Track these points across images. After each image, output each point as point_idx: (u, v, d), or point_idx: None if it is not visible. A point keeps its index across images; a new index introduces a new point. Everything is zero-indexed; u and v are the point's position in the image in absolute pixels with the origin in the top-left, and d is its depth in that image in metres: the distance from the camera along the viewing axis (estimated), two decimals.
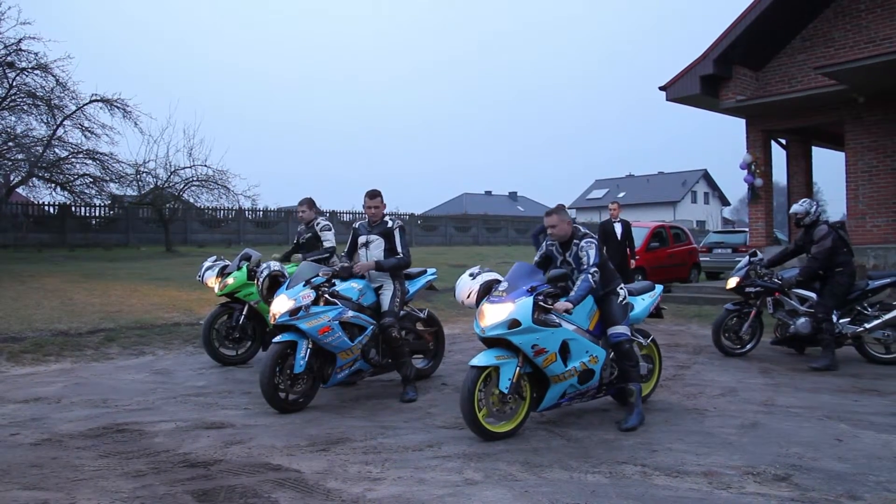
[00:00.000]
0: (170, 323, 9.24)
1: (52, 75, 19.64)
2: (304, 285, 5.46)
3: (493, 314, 4.54)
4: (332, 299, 5.49)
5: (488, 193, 66.26)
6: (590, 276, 4.79)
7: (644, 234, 14.84)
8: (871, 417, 5.20)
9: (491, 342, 4.64)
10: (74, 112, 20.49)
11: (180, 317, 9.71)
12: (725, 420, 5.12)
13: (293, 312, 5.27)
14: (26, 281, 12.99)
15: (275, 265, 6.70)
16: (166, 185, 22.73)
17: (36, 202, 22.93)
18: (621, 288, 5.15)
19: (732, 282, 7.95)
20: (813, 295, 7.44)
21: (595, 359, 4.85)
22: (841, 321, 7.37)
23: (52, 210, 23.23)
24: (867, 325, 7.31)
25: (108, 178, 21.44)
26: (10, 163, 19.98)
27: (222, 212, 26.83)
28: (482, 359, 4.56)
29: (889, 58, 11.05)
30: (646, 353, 5.59)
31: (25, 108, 19.92)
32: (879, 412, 5.37)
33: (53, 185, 20.95)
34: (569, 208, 65.93)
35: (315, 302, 5.40)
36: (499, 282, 4.97)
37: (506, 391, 4.53)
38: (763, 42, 14.14)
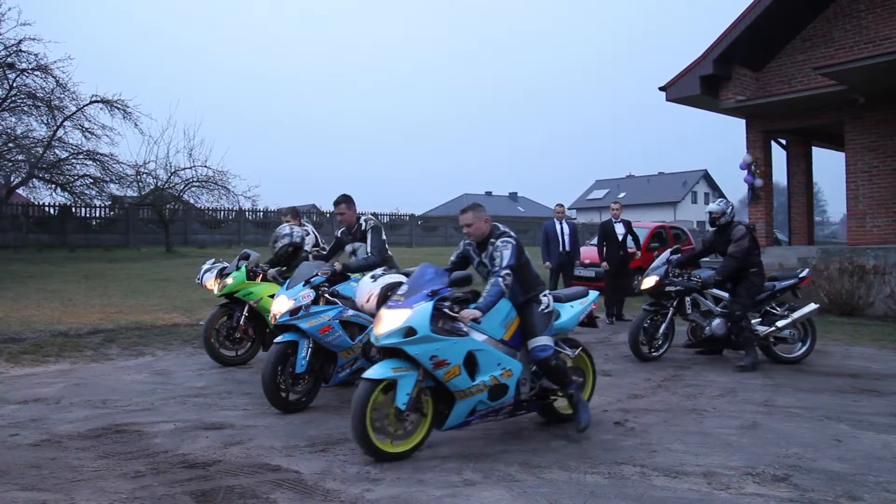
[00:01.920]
0: (169, 324, 9.24)
1: (53, 76, 19.71)
2: (304, 285, 5.45)
3: (389, 321, 4.09)
4: (332, 298, 5.50)
5: (489, 194, 66.25)
6: (500, 279, 4.33)
7: (644, 235, 14.85)
8: (870, 418, 5.20)
9: (389, 352, 4.14)
10: (75, 113, 20.54)
11: (180, 317, 9.70)
12: (725, 420, 5.12)
13: (293, 312, 5.27)
14: (26, 282, 12.99)
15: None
16: (166, 185, 22.77)
17: (36, 203, 22.96)
18: (545, 294, 4.70)
19: (650, 281, 7.62)
20: (726, 295, 7.43)
21: (508, 372, 4.38)
22: (753, 321, 7.41)
23: (52, 211, 23.26)
24: (778, 324, 7.37)
25: (108, 179, 21.50)
26: (10, 164, 20.03)
27: (222, 212, 26.84)
28: (377, 370, 4.08)
29: (889, 58, 11.05)
30: (572, 366, 5.04)
31: (26, 109, 19.97)
32: (879, 412, 5.36)
33: (54, 185, 21.00)
34: (569, 209, 66.02)
35: (315, 301, 5.39)
36: (401, 285, 4.56)
37: (403, 408, 4.04)
38: (763, 42, 14.14)
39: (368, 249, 5.98)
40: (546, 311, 4.63)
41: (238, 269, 7.16)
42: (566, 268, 11.16)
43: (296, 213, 7.73)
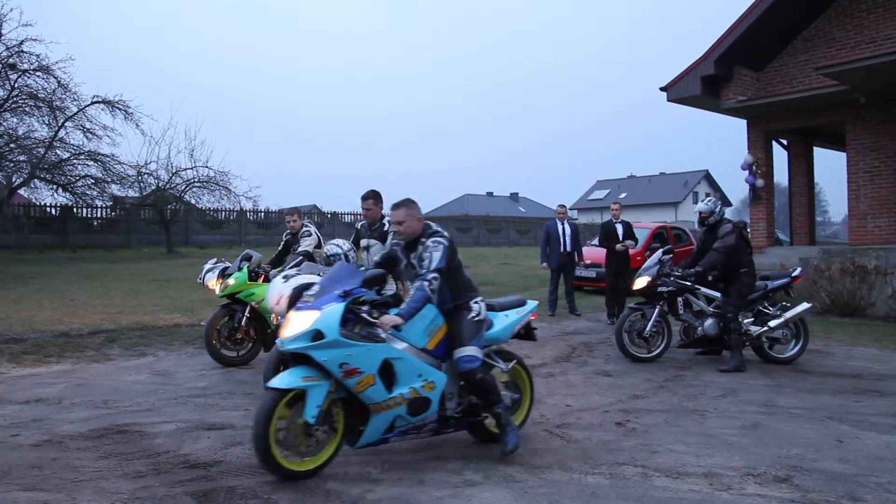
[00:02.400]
0: (171, 324, 9.24)
1: (54, 77, 19.73)
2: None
3: (296, 324, 3.71)
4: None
5: (490, 194, 66.22)
6: (426, 283, 3.94)
7: (645, 235, 14.83)
8: (872, 418, 5.19)
9: (299, 359, 3.75)
10: (76, 113, 20.56)
11: (181, 318, 9.71)
12: (726, 421, 5.12)
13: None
14: (28, 282, 13.01)
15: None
16: (168, 186, 22.78)
17: (38, 203, 22.98)
18: (476, 301, 4.31)
19: (642, 281, 7.53)
20: (718, 294, 7.43)
21: (431, 385, 3.98)
22: (745, 321, 7.40)
23: (53, 211, 23.29)
24: (771, 324, 7.36)
25: (109, 180, 21.51)
26: (12, 164, 20.05)
27: (224, 213, 26.85)
28: (284, 379, 3.67)
29: (891, 58, 11.05)
30: (506, 381, 4.59)
31: (27, 109, 20.00)
32: (881, 413, 5.36)
33: (55, 186, 21.02)
34: (570, 209, 65.94)
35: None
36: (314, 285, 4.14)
37: (312, 421, 3.64)
38: (764, 42, 14.14)
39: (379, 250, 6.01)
40: (476, 319, 4.24)
41: (240, 269, 7.16)
42: (567, 268, 11.18)
43: (300, 214, 7.73)
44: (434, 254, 4.05)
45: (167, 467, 3.99)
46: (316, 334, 3.61)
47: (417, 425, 4.02)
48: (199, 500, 3.50)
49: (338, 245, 5.76)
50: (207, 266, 7.65)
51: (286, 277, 4.78)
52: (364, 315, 3.79)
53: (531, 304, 4.89)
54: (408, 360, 3.92)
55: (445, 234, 4.24)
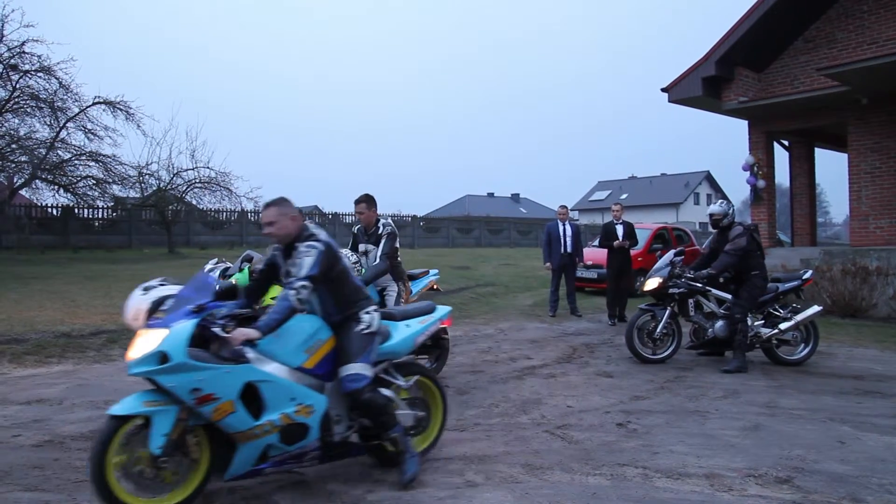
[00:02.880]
0: None
1: (56, 78, 19.70)
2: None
3: (143, 344, 3.25)
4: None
5: (491, 195, 66.21)
6: (291, 292, 3.45)
7: (646, 236, 14.83)
8: (874, 419, 5.19)
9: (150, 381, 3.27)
10: (77, 114, 20.52)
11: None
12: (727, 422, 5.11)
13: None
14: (29, 283, 13.01)
15: None
16: (169, 186, 22.75)
17: (39, 204, 22.95)
18: (368, 312, 3.85)
19: (654, 283, 7.49)
20: (730, 297, 7.42)
21: (307, 409, 3.52)
22: (755, 324, 7.39)
23: (55, 212, 23.27)
24: (781, 327, 7.35)
25: (110, 180, 21.47)
26: (13, 165, 20.03)
27: (225, 214, 26.85)
28: (125, 405, 3.23)
29: (892, 58, 11.02)
30: (410, 398, 4.14)
31: (29, 110, 19.97)
32: (883, 414, 5.35)
33: (56, 187, 20.99)
34: (571, 210, 65.51)
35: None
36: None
37: (158, 452, 3.18)
38: (765, 43, 14.12)
39: (378, 254, 5.97)
40: (366, 331, 3.77)
41: (241, 270, 7.15)
42: (568, 269, 11.18)
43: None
44: (305, 259, 3.59)
45: None
46: (161, 356, 3.16)
47: (295, 454, 3.56)
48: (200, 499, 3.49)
49: (346, 258, 5.71)
50: (208, 266, 7.62)
51: (146, 289, 4.21)
52: (215, 330, 3.31)
53: (441, 310, 4.45)
54: (276, 382, 3.44)
55: (323, 237, 3.77)
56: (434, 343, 4.50)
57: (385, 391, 3.86)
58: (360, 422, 3.81)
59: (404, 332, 4.14)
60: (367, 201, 6.25)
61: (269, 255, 3.97)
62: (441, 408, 4.32)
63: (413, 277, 6.61)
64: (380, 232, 6.09)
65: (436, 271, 6.96)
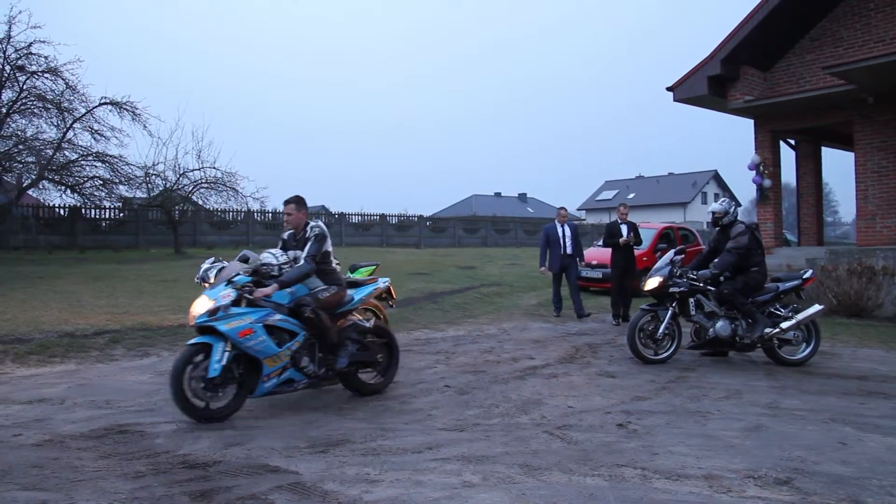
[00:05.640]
0: (175, 325, 9.25)
1: (62, 79, 19.84)
2: (227, 284, 5.18)
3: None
4: (256, 299, 5.20)
5: (498, 195, 66.12)
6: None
7: (652, 236, 14.78)
8: (877, 420, 5.15)
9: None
10: (84, 115, 20.65)
11: (186, 318, 9.72)
12: (728, 423, 5.08)
13: (212, 313, 4.97)
14: (35, 283, 13.08)
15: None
16: (175, 187, 22.83)
17: (46, 204, 23.09)
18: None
19: (654, 282, 7.47)
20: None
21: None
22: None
23: (62, 212, 23.39)
24: (783, 326, 7.32)
25: (117, 181, 21.59)
26: (20, 165, 20.17)
27: (231, 213, 26.92)
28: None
29: None
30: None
31: (36, 111, 20.12)
32: (886, 415, 5.31)
33: (63, 187, 21.12)
34: (578, 209, 65.79)
35: (237, 303, 5.11)
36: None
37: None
38: (771, 42, 14.06)
39: (303, 256, 5.57)
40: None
41: None
42: (569, 270, 11.11)
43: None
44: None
45: (166, 467, 4.00)
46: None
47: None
48: (197, 500, 3.50)
49: (274, 255, 5.69)
50: (205, 266, 7.48)
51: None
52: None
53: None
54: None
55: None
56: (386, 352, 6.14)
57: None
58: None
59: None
60: (297, 202, 5.85)
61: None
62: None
63: (357, 284, 6.38)
64: (307, 235, 5.72)
65: (386, 279, 6.74)
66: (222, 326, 4.97)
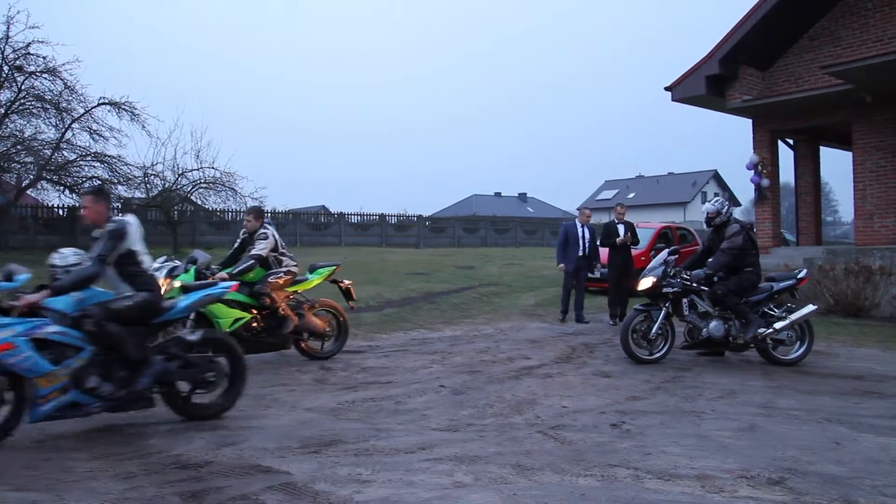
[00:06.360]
0: None
1: (61, 79, 19.77)
2: None
3: None
4: (40, 310, 4.53)
5: (498, 195, 66.06)
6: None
7: (650, 235, 14.77)
8: (871, 420, 5.15)
9: None
10: (82, 115, 20.59)
11: None
12: (722, 423, 5.08)
13: None
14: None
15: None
16: (174, 187, 22.81)
17: (45, 204, 23.08)
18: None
19: (647, 282, 7.47)
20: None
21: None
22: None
23: (61, 212, 23.37)
24: (776, 326, 7.30)
25: (116, 181, 21.53)
26: (19, 165, 20.13)
27: (230, 213, 26.91)
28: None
29: None
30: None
31: (34, 111, 20.06)
32: (880, 415, 5.31)
33: (62, 187, 21.08)
34: (577, 209, 65.43)
35: (4, 312, 4.45)
36: None
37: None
38: (769, 41, 14.05)
39: (90, 256, 4.87)
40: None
41: (187, 271, 7.07)
42: (581, 271, 11.01)
43: (259, 214, 7.68)
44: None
45: (158, 468, 4.00)
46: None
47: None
48: (188, 500, 3.50)
49: (62, 256, 5.38)
50: (155, 265, 6.88)
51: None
52: None
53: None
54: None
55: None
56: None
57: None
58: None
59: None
60: (94, 194, 5.14)
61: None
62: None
63: (187, 289, 5.77)
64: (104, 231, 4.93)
65: (226, 285, 5.84)
66: None
